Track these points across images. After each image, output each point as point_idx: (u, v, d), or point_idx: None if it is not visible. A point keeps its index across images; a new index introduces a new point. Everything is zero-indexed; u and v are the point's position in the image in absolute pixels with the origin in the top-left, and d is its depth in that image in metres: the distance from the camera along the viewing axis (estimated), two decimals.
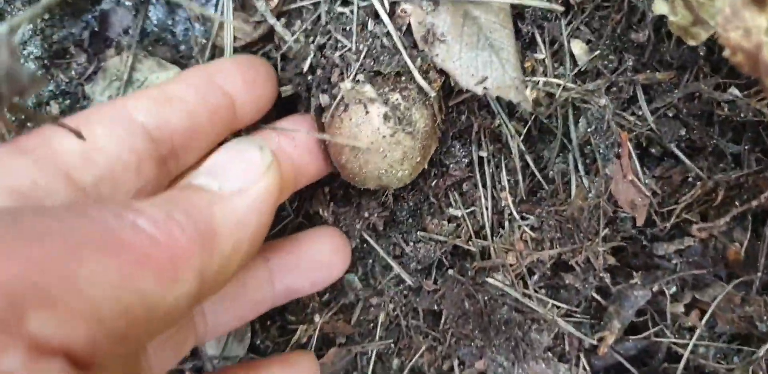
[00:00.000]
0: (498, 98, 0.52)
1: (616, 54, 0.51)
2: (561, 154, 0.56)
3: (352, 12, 0.46)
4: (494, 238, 0.57)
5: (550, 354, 0.58)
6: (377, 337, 0.61)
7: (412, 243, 0.59)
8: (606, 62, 0.51)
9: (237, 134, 0.48)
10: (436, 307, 0.59)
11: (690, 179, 0.54)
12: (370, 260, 0.61)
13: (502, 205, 0.57)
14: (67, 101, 0.56)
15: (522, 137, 0.54)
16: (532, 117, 0.54)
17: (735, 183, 0.53)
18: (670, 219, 0.55)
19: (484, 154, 0.56)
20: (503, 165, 0.56)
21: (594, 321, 0.59)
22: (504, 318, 0.57)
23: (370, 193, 0.56)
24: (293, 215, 0.58)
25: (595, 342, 0.58)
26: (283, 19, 0.49)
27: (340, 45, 0.46)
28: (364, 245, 0.59)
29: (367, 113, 0.45)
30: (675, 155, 0.54)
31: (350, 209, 0.56)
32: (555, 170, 0.56)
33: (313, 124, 0.49)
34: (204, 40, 0.52)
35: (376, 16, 0.46)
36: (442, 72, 0.47)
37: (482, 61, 0.46)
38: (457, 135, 0.55)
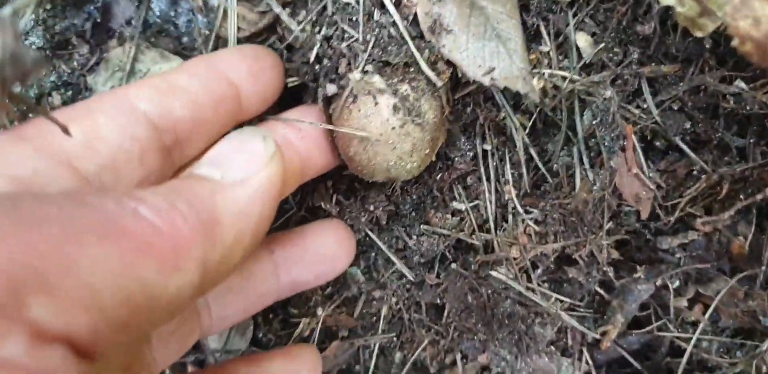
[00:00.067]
0: (503, 91, 0.51)
1: (621, 47, 0.51)
2: (565, 147, 0.56)
3: (357, 2, 0.46)
4: (498, 231, 0.57)
5: (553, 347, 0.58)
6: (380, 330, 0.61)
7: (415, 237, 0.58)
8: (611, 55, 0.51)
9: (242, 125, 0.47)
10: (438, 301, 0.59)
11: (695, 173, 0.54)
12: (373, 254, 0.60)
13: (506, 198, 0.57)
14: (70, 92, 0.55)
15: (527, 130, 0.54)
16: (537, 110, 0.53)
17: (740, 177, 0.53)
18: (674, 213, 0.54)
19: (488, 147, 0.55)
20: (507, 158, 0.56)
21: (597, 315, 0.59)
22: (507, 311, 0.57)
23: (375, 186, 0.55)
24: (296, 209, 0.58)
25: (598, 336, 0.58)
26: (288, 9, 0.48)
27: (347, 35, 0.46)
28: (367, 238, 0.59)
29: (376, 104, 0.45)
30: (680, 148, 0.54)
31: (354, 202, 0.56)
32: (559, 163, 0.56)
33: (321, 115, 0.48)
34: (207, 31, 0.52)
35: (382, 6, 0.46)
36: (449, 63, 0.46)
37: (489, 52, 0.46)
38: (462, 128, 0.55)
